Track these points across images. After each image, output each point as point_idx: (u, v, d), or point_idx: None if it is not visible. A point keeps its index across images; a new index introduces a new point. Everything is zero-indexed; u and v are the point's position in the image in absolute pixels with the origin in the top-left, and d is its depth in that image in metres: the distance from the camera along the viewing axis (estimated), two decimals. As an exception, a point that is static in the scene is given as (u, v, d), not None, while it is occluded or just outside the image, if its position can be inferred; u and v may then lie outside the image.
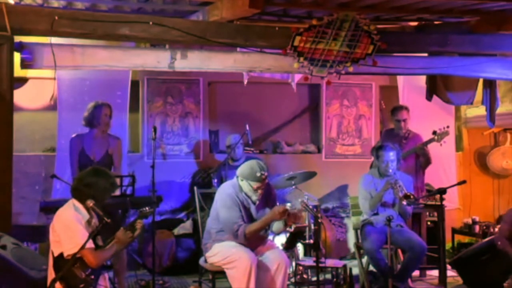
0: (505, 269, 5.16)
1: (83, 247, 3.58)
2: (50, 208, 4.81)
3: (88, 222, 3.86)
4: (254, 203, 4.76)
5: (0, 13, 4.62)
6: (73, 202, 3.89)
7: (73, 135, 5.76)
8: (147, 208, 3.97)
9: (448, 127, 6.24)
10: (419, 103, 7.15)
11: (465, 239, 7.27)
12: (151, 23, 5.00)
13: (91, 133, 5.69)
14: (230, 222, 4.63)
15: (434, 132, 6.23)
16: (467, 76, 6.16)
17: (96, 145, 5.67)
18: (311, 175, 6.68)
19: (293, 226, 5.71)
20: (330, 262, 5.61)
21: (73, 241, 3.68)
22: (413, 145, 6.40)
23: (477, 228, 6.90)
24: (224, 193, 4.75)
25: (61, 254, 3.72)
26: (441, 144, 6.28)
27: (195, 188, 5.84)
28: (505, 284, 5.23)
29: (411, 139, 6.48)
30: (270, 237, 5.32)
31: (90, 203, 3.80)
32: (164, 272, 6.41)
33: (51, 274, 3.77)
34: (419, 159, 6.47)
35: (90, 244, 3.69)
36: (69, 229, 3.73)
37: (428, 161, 6.46)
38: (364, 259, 5.76)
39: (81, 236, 3.68)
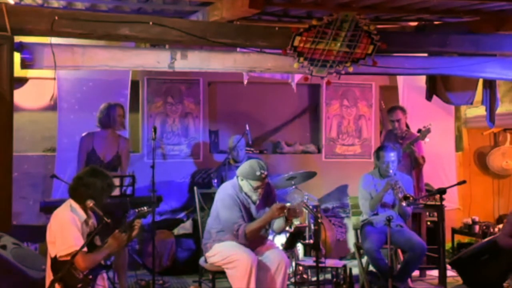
0: (505, 269, 5.16)
1: (79, 250, 3.55)
2: (50, 208, 4.78)
3: (86, 222, 3.85)
4: (254, 203, 4.76)
5: (0, 13, 4.61)
6: (70, 202, 3.86)
7: (84, 134, 5.75)
8: (144, 208, 3.97)
9: (430, 124, 6.26)
10: (419, 103, 7.15)
11: (465, 239, 7.27)
12: (151, 23, 5.00)
13: (103, 133, 5.68)
14: (230, 222, 4.63)
15: (419, 131, 6.27)
16: (467, 76, 6.16)
17: (107, 145, 5.66)
18: (311, 175, 6.68)
19: (293, 226, 5.72)
20: (330, 262, 5.62)
21: (65, 242, 3.67)
22: (409, 146, 6.42)
23: (477, 228, 6.90)
24: (224, 193, 4.75)
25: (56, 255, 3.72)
26: (425, 142, 6.32)
27: (195, 188, 5.83)
28: (505, 284, 5.23)
29: (407, 139, 6.48)
30: (270, 237, 5.32)
31: (90, 203, 3.78)
32: (164, 272, 6.40)
33: (49, 275, 3.76)
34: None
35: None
36: (63, 230, 3.71)
37: (417, 161, 6.44)
38: (364, 259, 5.76)
39: (74, 238, 3.67)
